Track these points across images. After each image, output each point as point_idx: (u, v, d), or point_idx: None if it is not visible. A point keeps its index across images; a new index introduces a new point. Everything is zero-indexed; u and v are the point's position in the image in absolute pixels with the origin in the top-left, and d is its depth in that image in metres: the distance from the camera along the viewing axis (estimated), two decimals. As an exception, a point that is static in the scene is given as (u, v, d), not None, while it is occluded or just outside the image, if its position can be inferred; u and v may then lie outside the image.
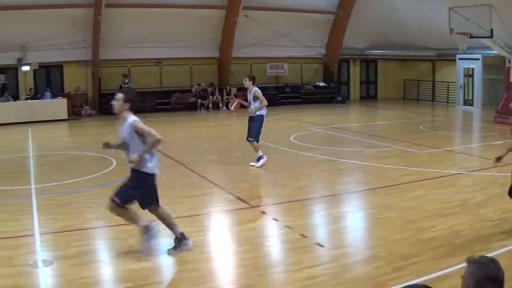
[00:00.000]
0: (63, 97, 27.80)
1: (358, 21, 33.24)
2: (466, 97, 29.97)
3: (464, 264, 3.34)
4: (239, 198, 10.80)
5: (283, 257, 7.69)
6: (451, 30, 24.32)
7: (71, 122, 26.28)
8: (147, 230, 7.40)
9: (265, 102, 13.75)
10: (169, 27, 29.05)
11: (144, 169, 7.19)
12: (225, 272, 7.27)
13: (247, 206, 10.25)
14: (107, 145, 7.66)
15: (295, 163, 14.67)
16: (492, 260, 3.37)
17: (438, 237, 8.13)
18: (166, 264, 7.54)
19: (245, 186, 12.05)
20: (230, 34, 31.15)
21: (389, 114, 27.71)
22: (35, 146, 18.72)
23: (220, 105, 31.03)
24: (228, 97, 30.39)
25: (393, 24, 31.62)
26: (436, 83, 34.45)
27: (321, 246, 7.94)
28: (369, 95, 38.22)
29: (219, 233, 8.96)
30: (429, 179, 12.33)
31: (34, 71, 28.20)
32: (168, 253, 7.59)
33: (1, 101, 26.49)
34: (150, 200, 7.47)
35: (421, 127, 22.02)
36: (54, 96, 27.94)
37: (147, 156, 7.15)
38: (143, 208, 7.66)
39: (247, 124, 14.08)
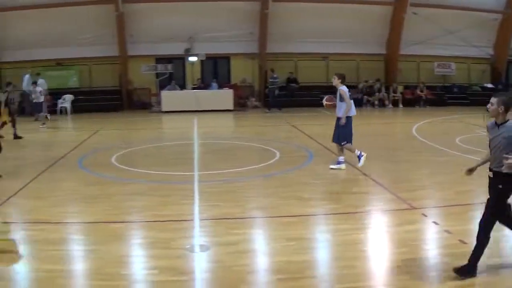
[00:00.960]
0: (229, 88, 28.73)
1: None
2: None
3: None
4: (400, 198, 10.41)
5: (439, 263, 7.24)
6: None
7: (236, 113, 27.09)
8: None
9: (349, 103, 12.86)
10: (335, 23, 29.01)
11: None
12: (380, 272, 6.98)
13: (408, 207, 9.83)
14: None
15: (460, 166, 13.83)
16: None
17: None
18: (323, 259, 7.45)
19: (407, 187, 11.57)
20: (397, 31, 30.56)
21: None
22: (200, 134, 19.52)
23: (386, 102, 30.53)
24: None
25: None
26: None
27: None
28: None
29: (377, 232, 8.67)
30: None
31: (202, 61, 29.46)
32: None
33: (168, 89, 28.01)
34: None
35: None
36: (220, 87, 29.00)
37: None
38: None
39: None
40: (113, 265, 7.03)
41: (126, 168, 13.48)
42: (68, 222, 9.28)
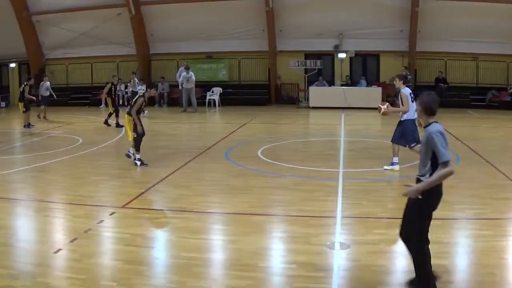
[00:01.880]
0: (378, 86, 28.40)
1: None
2: None
3: None
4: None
5: None
6: None
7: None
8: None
9: (405, 108, 12.29)
10: (486, 22, 27.66)
11: None
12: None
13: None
14: None
15: None
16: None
17: None
18: (461, 264, 7.25)
19: None
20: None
21: None
22: (346, 132, 19.51)
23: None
24: None
25: None
26: None
27: None
28: None
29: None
30: None
31: (351, 58, 29.36)
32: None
33: (316, 85, 28.18)
34: None
35: None
36: (369, 84, 28.73)
37: None
38: None
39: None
40: (252, 256, 7.26)
41: (271, 161, 13.78)
42: (210, 212, 9.72)
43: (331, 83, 29.35)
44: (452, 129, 19.85)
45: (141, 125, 13.58)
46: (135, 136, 13.68)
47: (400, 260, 7.21)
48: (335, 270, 6.83)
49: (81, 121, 23.94)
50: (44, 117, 24.80)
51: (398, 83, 12.71)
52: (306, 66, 29.17)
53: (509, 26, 28.09)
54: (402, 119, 12.53)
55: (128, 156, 14.11)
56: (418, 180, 5.90)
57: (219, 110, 28.28)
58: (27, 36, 32.61)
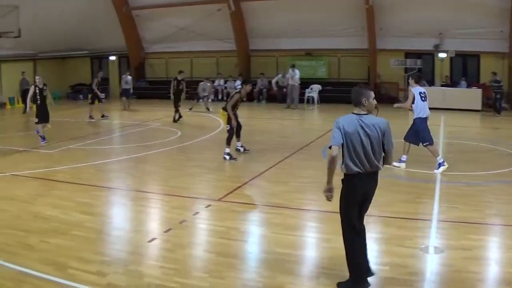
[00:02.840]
0: (478, 88, 27.48)
1: None
2: None
3: None
4: None
5: None
6: None
7: (484, 114, 25.79)
8: None
9: (407, 105, 13.18)
10: None
11: None
12: None
13: None
14: None
15: None
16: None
17: None
18: None
19: None
20: None
21: None
22: (445, 133, 19.00)
23: None
24: None
25: None
26: None
27: None
28: None
29: None
30: None
31: (451, 58, 28.55)
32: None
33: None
34: None
35: None
36: (469, 85, 27.85)
37: None
38: None
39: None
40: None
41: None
42: (306, 209, 9.72)
43: (430, 83, 28.61)
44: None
45: (236, 120, 13.85)
46: (228, 129, 14.01)
47: (494, 267, 7.01)
48: (427, 274, 6.72)
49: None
50: (128, 108, 26.57)
51: (411, 82, 13.38)
52: (406, 65, 28.66)
53: None
54: (414, 117, 13.13)
55: (238, 150, 14.77)
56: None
57: (317, 108, 28.22)
58: (127, 30, 33.74)
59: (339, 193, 6.35)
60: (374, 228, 8.60)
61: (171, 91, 22.79)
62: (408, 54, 29.26)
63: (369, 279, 6.34)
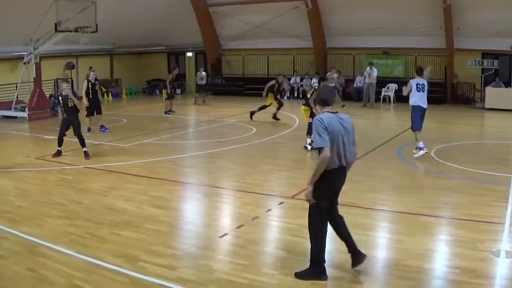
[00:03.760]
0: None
1: None
2: None
3: None
4: None
5: None
6: None
7: None
8: None
9: (404, 93, 14.70)
10: None
11: None
12: None
13: None
14: None
15: None
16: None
17: None
18: None
19: None
20: None
21: None
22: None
23: None
24: None
25: None
26: None
27: None
28: None
29: None
30: None
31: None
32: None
33: (493, 86, 26.77)
34: None
35: None
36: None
37: None
38: None
39: None
40: (416, 257, 7.17)
41: (443, 162, 13.38)
42: (378, 209, 9.65)
43: (507, 84, 27.71)
44: None
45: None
46: (310, 121, 14.31)
47: None
48: (497, 278, 6.57)
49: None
50: (204, 103, 27.01)
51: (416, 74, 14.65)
52: (483, 65, 27.85)
53: None
54: (411, 105, 14.20)
55: (306, 148, 14.91)
56: None
57: (394, 107, 27.84)
58: (204, 27, 34.05)
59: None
60: (446, 230, 8.53)
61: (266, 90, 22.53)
62: (485, 55, 28.39)
63: (441, 283, 6.26)
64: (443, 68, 29.05)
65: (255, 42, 32.98)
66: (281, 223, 8.88)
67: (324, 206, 6.60)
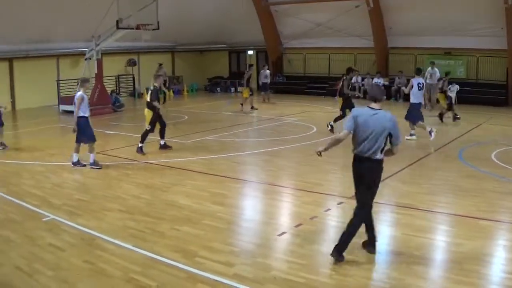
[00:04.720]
0: None
1: None
2: None
3: None
4: None
5: None
6: None
7: None
8: None
9: (406, 90, 17.19)
10: None
11: None
12: None
13: None
14: None
15: None
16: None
17: None
18: None
19: None
20: None
21: None
22: None
23: None
24: None
25: None
26: None
27: None
28: None
29: None
30: None
31: None
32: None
33: None
34: None
35: None
36: None
37: None
38: None
39: None
40: (474, 262, 6.99)
41: (504, 165, 12.97)
42: (437, 212, 9.44)
43: None
44: None
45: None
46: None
47: None
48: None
49: (317, 110, 24.53)
50: (268, 101, 26.94)
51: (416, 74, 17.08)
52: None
53: None
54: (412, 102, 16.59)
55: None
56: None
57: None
58: (265, 25, 34.07)
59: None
60: (505, 235, 8.35)
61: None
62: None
63: None
64: (505, 69, 28.25)
65: (316, 40, 32.84)
66: (339, 223, 8.71)
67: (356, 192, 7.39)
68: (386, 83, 28.97)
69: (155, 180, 11.68)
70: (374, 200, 7.37)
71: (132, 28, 23.07)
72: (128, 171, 12.70)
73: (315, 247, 7.62)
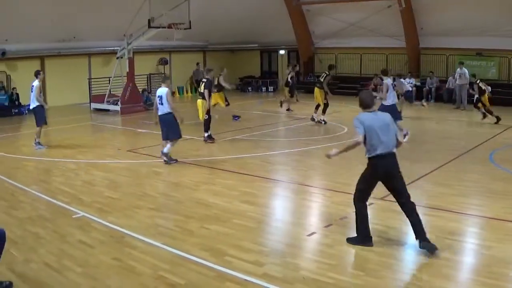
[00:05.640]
0: None
1: None
2: None
3: None
4: None
5: None
6: None
7: None
8: None
9: (382, 95, 15.84)
10: None
11: None
12: None
13: None
14: None
15: None
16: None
17: None
18: None
19: None
20: None
21: None
22: None
23: None
24: None
25: None
26: None
27: None
28: None
29: None
30: None
31: None
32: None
33: None
34: None
35: None
36: None
37: None
38: None
39: None
40: (504, 265, 6.89)
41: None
42: (467, 214, 9.32)
43: None
44: None
45: None
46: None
47: None
48: None
49: (348, 110, 24.34)
50: (297, 101, 26.90)
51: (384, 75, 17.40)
52: None
53: None
54: (387, 104, 15.47)
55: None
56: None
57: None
58: (297, 25, 34.00)
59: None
60: None
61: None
62: None
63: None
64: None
65: (348, 40, 32.68)
66: (369, 224, 8.67)
67: (363, 187, 7.94)
68: (418, 83, 28.68)
69: (185, 179, 11.72)
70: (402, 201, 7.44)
71: (164, 27, 23.23)
72: (158, 169, 12.75)
73: (345, 248, 7.56)
